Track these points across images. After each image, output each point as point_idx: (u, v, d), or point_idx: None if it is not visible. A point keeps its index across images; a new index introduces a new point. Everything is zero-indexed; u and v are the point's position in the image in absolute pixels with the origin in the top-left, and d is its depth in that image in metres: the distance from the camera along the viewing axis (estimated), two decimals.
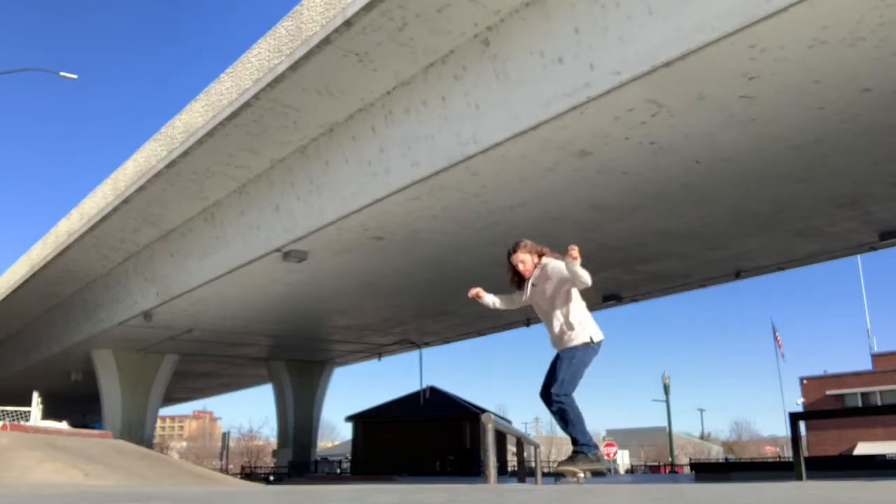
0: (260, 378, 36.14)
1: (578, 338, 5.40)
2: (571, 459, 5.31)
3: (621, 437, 63.91)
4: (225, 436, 46.00)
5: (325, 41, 10.82)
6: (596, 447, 5.42)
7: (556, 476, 5.60)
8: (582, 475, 5.39)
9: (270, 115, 13.05)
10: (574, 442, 5.33)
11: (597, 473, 5.55)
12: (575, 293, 5.49)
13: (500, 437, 31.26)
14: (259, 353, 30.05)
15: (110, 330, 23.36)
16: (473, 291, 5.68)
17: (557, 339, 5.46)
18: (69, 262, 21.52)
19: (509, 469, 30.66)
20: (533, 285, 5.57)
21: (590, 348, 5.39)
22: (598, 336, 5.45)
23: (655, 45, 8.77)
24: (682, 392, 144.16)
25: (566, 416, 5.25)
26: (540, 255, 5.68)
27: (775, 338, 40.31)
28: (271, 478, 29.86)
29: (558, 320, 5.44)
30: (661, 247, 16.86)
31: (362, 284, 19.34)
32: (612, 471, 43.27)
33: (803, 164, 12.24)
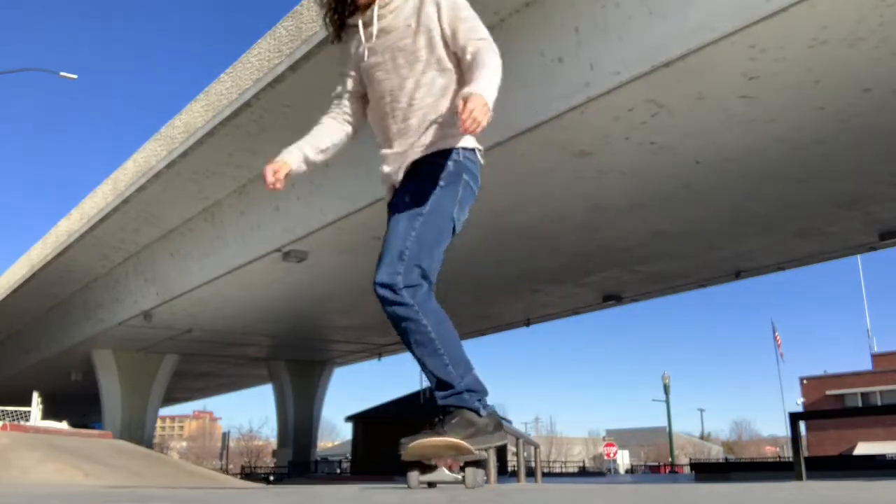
0: (260, 378, 36.13)
1: (460, 138, 2.65)
2: (450, 423, 2.48)
3: (621, 437, 63.91)
4: (225, 436, 46.08)
5: (326, 41, 10.82)
6: (485, 401, 2.56)
7: (407, 467, 2.62)
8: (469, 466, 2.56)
9: (270, 115, 13.05)
10: (441, 386, 2.54)
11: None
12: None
13: None
14: (259, 353, 30.05)
15: (110, 330, 23.36)
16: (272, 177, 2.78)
17: (418, 143, 2.73)
18: (69, 262, 21.52)
19: (509, 469, 30.66)
20: (382, 30, 2.70)
21: (474, 165, 2.73)
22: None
23: (655, 45, 8.77)
24: (682, 392, 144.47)
25: (415, 330, 2.60)
26: None
27: (775, 338, 40.22)
28: (271, 478, 29.88)
29: (426, 101, 2.69)
30: (662, 247, 16.86)
31: (363, 284, 19.27)
32: (612, 471, 43.21)
33: (803, 164, 12.24)
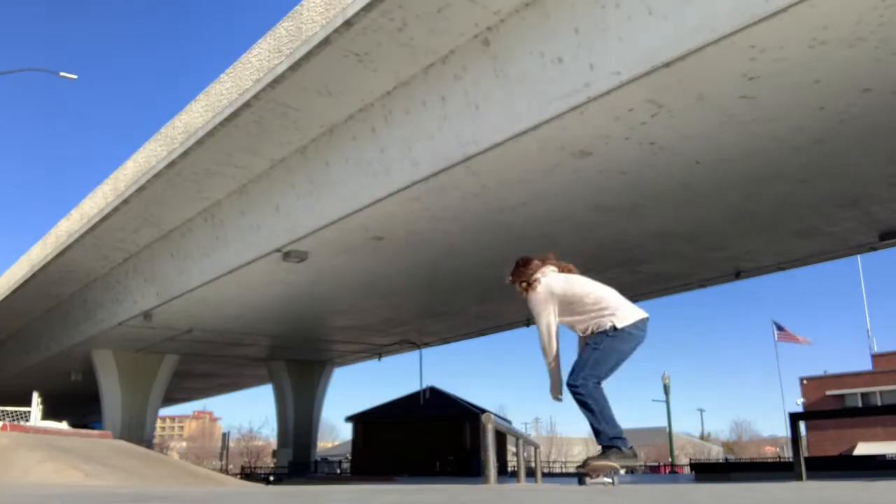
0: (260, 378, 36.13)
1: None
2: (603, 455, 4.84)
3: None
4: (225, 436, 46.05)
5: (325, 41, 10.82)
6: (627, 441, 4.87)
7: (581, 476, 4.99)
8: (616, 473, 4.85)
9: (270, 115, 13.06)
10: (598, 435, 4.87)
11: (630, 470, 5.20)
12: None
13: (500, 437, 31.23)
14: (259, 354, 30.05)
15: (110, 330, 23.36)
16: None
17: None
18: (69, 262, 21.52)
19: (509, 469, 30.67)
20: None
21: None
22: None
23: (655, 45, 8.77)
24: (682, 392, 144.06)
25: (586, 406, 4.88)
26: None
27: (783, 334, 39.60)
28: (271, 478, 29.83)
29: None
30: (661, 247, 16.86)
31: (362, 285, 19.34)
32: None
33: (803, 164, 12.25)
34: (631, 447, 4.83)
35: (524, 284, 5.57)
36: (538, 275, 5.53)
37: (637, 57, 8.95)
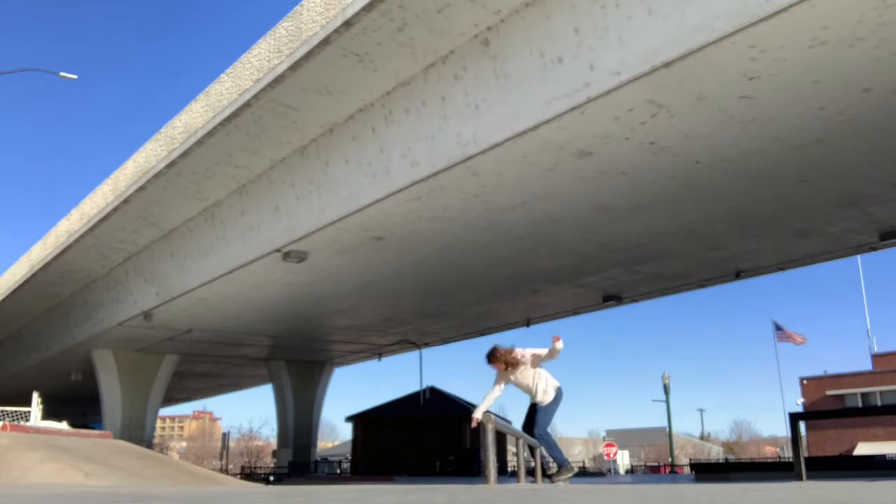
0: (260, 378, 36.13)
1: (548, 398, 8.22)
2: (558, 472, 8.22)
3: (621, 437, 63.87)
4: (225, 436, 46.12)
5: (325, 41, 10.82)
6: (568, 461, 8.36)
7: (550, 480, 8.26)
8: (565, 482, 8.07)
9: (270, 115, 13.06)
10: (555, 460, 8.25)
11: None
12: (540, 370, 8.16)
13: (500, 437, 31.24)
14: (259, 354, 30.05)
15: (110, 330, 23.36)
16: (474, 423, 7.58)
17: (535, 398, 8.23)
18: (69, 262, 21.52)
19: (509, 469, 30.65)
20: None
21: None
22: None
23: (655, 45, 8.77)
24: (682, 392, 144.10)
25: (547, 443, 8.11)
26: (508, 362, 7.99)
27: (781, 334, 39.51)
28: (271, 478, 29.83)
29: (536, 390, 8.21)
30: (661, 247, 16.86)
31: (362, 284, 19.34)
32: (613, 471, 43.26)
33: (803, 164, 12.24)
34: (569, 463, 8.34)
35: (512, 361, 8.02)
36: (516, 353, 8.07)
37: (637, 57, 8.95)
